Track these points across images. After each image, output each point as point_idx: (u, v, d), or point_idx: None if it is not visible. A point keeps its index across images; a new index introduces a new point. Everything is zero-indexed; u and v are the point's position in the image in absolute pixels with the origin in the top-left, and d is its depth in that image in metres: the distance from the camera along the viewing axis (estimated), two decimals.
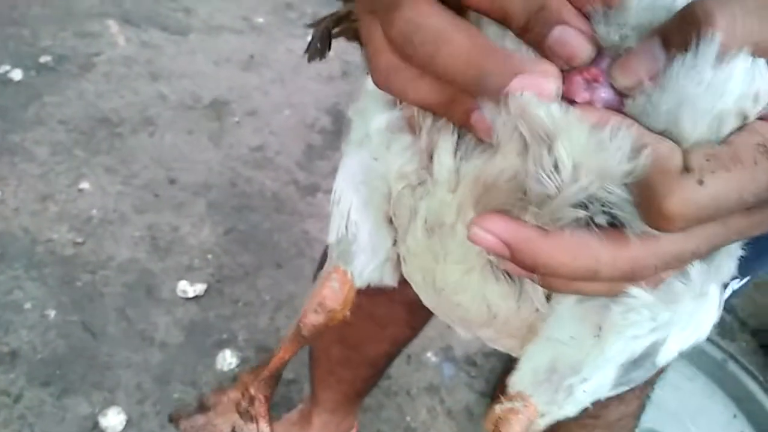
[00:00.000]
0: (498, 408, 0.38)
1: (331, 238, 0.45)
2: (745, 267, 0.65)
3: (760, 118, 0.28)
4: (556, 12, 0.28)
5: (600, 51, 0.28)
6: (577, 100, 0.28)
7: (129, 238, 1.49)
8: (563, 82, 0.28)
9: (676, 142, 0.27)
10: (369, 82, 0.36)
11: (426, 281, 0.41)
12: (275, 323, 1.39)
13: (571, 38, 0.28)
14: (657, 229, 0.28)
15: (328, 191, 1.59)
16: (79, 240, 1.46)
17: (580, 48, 0.28)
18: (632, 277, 0.30)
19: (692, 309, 0.36)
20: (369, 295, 0.86)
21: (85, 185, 1.58)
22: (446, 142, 0.34)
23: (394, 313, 0.91)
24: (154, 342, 1.32)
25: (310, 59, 0.47)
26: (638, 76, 0.27)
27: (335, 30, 0.45)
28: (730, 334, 1.60)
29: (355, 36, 0.42)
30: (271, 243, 1.54)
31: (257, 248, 1.52)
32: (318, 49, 0.47)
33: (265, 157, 1.75)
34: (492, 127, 0.30)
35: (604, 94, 0.28)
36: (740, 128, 0.27)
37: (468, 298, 0.40)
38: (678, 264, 0.31)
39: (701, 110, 0.27)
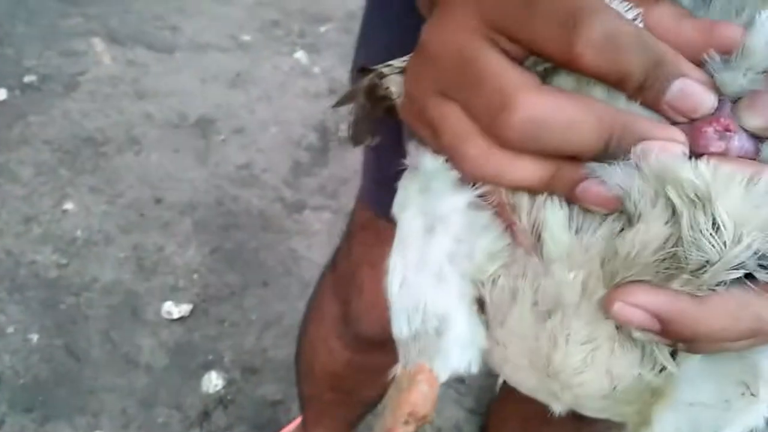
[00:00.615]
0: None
1: (401, 333, 0.40)
2: None
3: None
4: (675, 65, 0.27)
5: (720, 100, 0.27)
6: (712, 150, 0.27)
7: (114, 258, 1.47)
8: (689, 135, 0.27)
9: None
10: (427, 161, 0.35)
11: (535, 365, 0.38)
12: (262, 343, 1.38)
13: (693, 90, 0.27)
14: None
15: (315, 208, 1.58)
16: (63, 261, 1.45)
17: (702, 99, 0.27)
18: None
19: None
20: (364, 351, 0.84)
21: (69, 206, 1.56)
22: (556, 217, 0.31)
23: (390, 362, 0.89)
24: (138, 365, 1.31)
25: (356, 143, 0.44)
26: None
27: (372, 108, 0.41)
28: None
29: (389, 112, 0.39)
30: (257, 262, 1.52)
31: (243, 267, 1.51)
32: (365, 131, 0.43)
33: (252, 175, 1.74)
34: (606, 195, 0.28)
35: (738, 142, 0.27)
36: None
37: (590, 377, 0.36)
38: None
39: None
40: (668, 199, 0.27)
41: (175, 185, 1.67)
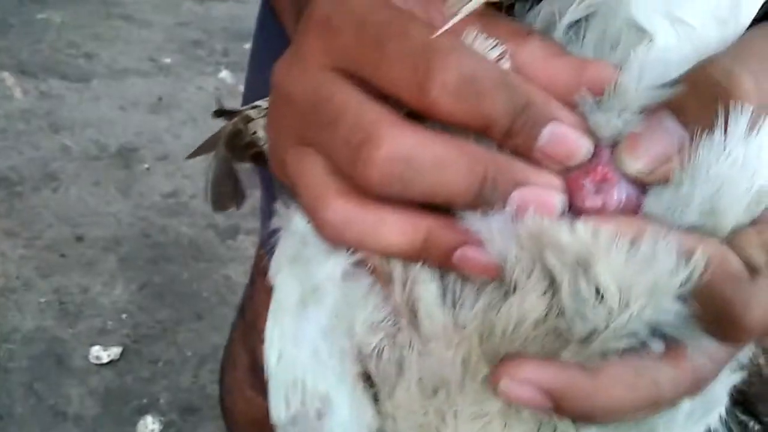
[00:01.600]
0: None
1: (279, 416, 0.35)
2: None
3: None
4: (544, 108, 0.24)
5: (596, 144, 0.24)
6: (589, 206, 0.24)
7: (35, 305, 1.40)
8: (567, 186, 0.24)
9: (714, 233, 0.24)
10: (297, 223, 0.31)
11: None
12: (200, 380, 1.32)
13: (565, 135, 0.24)
14: (732, 342, 0.25)
15: (250, 231, 1.53)
16: None
17: (577, 145, 0.24)
18: (694, 391, 0.27)
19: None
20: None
21: None
22: (429, 291, 0.28)
23: None
24: (67, 417, 1.23)
25: (218, 209, 0.39)
26: (652, 156, 0.23)
27: (236, 158, 0.36)
28: None
29: (255, 159, 0.34)
30: (190, 294, 1.46)
31: (175, 301, 1.44)
32: (229, 192, 0.38)
33: (180, 203, 1.68)
34: (485, 262, 0.25)
35: (618, 193, 0.24)
36: None
37: None
38: (729, 362, 0.27)
39: (739, 193, 0.23)
40: (545, 265, 0.24)
41: (97, 221, 1.59)
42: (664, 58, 0.23)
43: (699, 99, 0.23)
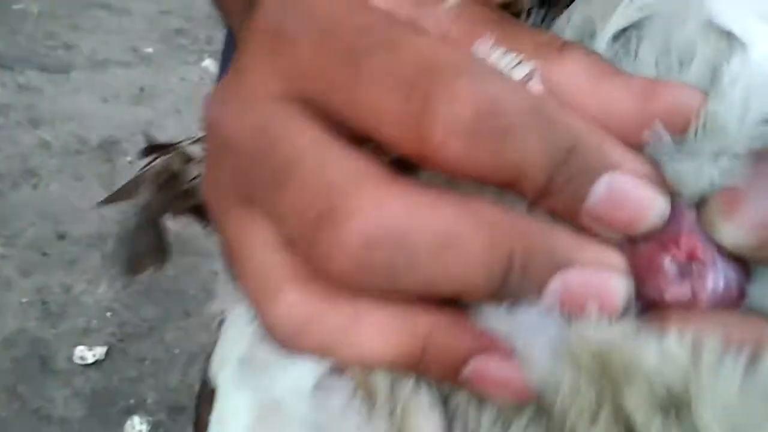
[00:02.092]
0: None
1: None
2: None
3: None
4: (598, 151, 0.16)
5: (674, 204, 0.17)
6: (669, 298, 0.16)
7: (16, 305, 1.36)
8: (631, 267, 0.17)
9: None
10: (245, 309, 0.22)
11: None
12: (188, 379, 1.29)
13: (630, 190, 0.16)
14: None
15: None
16: None
17: (648, 204, 0.16)
18: None
19: None
20: None
21: None
22: (429, 427, 0.19)
23: None
24: (52, 419, 1.21)
25: (131, 272, 0.30)
26: (762, 220, 0.16)
27: (164, 209, 0.28)
28: None
29: (197, 212, 0.28)
30: (177, 290, 1.43)
31: (162, 298, 1.41)
32: (148, 250, 0.29)
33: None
34: (516, 382, 0.17)
35: (714, 278, 0.16)
36: None
37: None
38: None
39: None
40: (619, 406, 0.16)
41: (80, 217, 1.55)
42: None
43: None
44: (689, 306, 0.16)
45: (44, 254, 1.46)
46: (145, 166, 0.29)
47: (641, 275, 0.17)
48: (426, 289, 0.17)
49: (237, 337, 0.24)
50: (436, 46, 0.16)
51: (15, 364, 1.27)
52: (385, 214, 0.16)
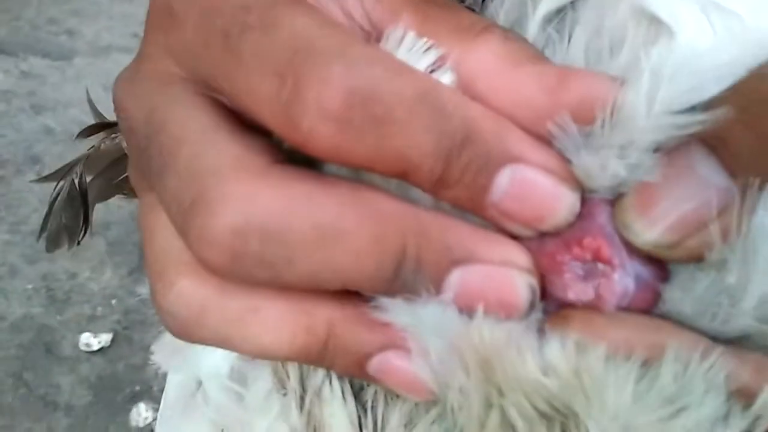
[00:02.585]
0: None
1: None
2: None
3: None
4: (496, 142, 0.15)
5: (585, 199, 0.16)
6: (572, 299, 0.16)
7: (21, 292, 1.36)
8: (537, 264, 0.16)
9: None
10: None
11: None
12: None
13: (535, 183, 0.16)
14: None
15: None
16: None
17: (555, 198, 0.16)
18: None
19: None
20: None
21: None
22: (338, 416, 0.19)
23: None
24: (58, 406, 1.21)
25: (49, 248, 0.29)
26: (677, 220, 0.15)
27: (104, 182, 0.27)
28: None
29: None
30: None
31: None
32: (64, 224, 0.27)
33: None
34: (414, 378, 0.17)
35: (621, 280, 0.15)
36: None
37: None
38: None
39: None
40: (506, 415, 0.15)
41: None
42: (694, 64, 0.15)
43: (753, 129, 0.14)
44: (595, 306, 0.15)
45: None
46: (90, 148, 0.29)
47: (546, 275, 0.16)
48: (311, 282, 0.16)
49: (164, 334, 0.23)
50: (315, 27, 0.15)
51: (21, 350, 1.27)
52: (255, 205, 0.15)
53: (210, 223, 0.15)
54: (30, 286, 1.37)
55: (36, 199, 1.54)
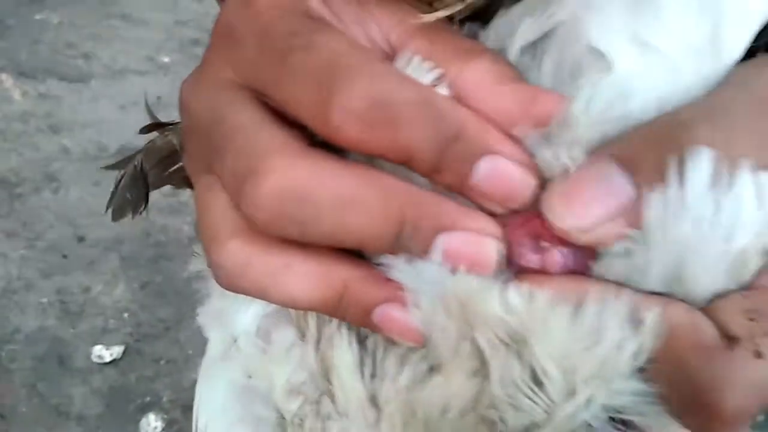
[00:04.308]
0: None
1: None
2: None
3: None
4: (478, 139, 0.20)
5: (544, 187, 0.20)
6: (524, 264, 0.20)
7: (36, 305, 1.40)
8: (505, 235, 0.20)
9: (685, 300, 0.19)
10: None
11: None
12: None
13: (505, 170, 0.20)
14: (713, 430, 0.19)
15: None
16: None
17: (520, 182, 0.20)
18: None
19: None
20: None
21: None
22: (344, 358, 0.23)
23: None
24: (70, 416, 1.24)
25: (115, 217, 0.35)
26: (593, 214, 0.19)
27: (157, 172, 0.33)
28: None
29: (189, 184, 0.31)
30: (191, 292, 1.44)
31: (177, 300, 1.44)
32: (129, 200, 0.34)
33: (180, 202, 1.67)
34: (410, 325, 0.21)
35: (559, 255, 0.20)
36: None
37: None
38: None
39: (712, 258, 0.19)
40: (474, 341, 0.20)
41: (98, 221, 1.59)
42: (625, 85, 0.20)
43: (652, 148, 0.19)
44: (543, 271, 0.20)
45: (64, 256, 1.50)
46: (148, 149, 0.33)
47: (510, 245, 0.20)
48: (331, 238, 0.20)
49: (212, 292, 0.29)
50: (344, 48, 0.20)
51: (35, 361, 1.30)
52: (293, 176, 0.20)
53: (259, 189, 0.20)
54: (45, 300, 1.41)
55: (52, 216, 1.59)
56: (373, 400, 0.23)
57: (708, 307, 0.19)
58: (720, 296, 0.19)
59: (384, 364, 0.23)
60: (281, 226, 0.20)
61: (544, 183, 0.20)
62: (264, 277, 0.21)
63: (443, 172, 0.20)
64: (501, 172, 0.20)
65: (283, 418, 0.27)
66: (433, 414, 0.22)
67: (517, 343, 0.19)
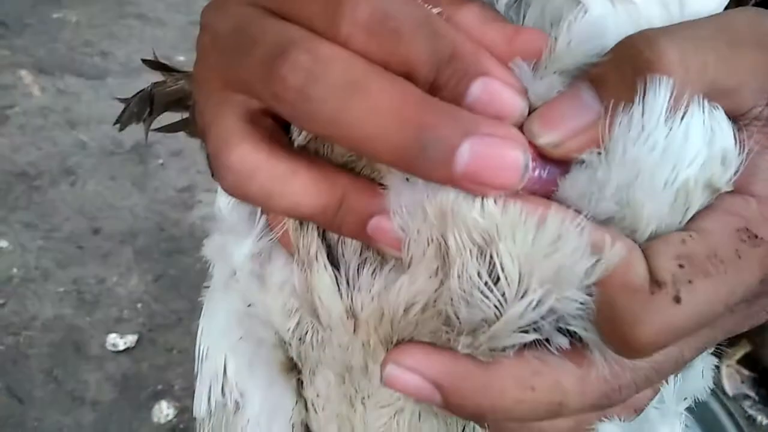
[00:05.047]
0: None
1: (200, 409, 0.34)
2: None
3: (731, 192, 0.22)
4: (472, 60, 0.21)
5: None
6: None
7: (53, 294, 1.43)
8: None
9: (632, 229, 0.21)
10: (221, 204, 0.30)
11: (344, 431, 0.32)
12: None
13: (498, 92, 0.21)
14: (624, 356, 0.22)
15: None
16: (0, 301, 1.40)
17: (512, 103, 0.21)
18: (607, 403, 0.23)
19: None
20: None
21: (3, 244, 1.52)
22: (323, 282, 0.26)
23: None
24: (85, 401, 1.27)
25: (121, 126, 0.37)
26: (564, 128, 0.21)
27: (162, 100, 0.35)
28: None
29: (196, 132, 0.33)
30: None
31: (189, 292, 1.48)
32: (135, 112, 0.37)
33: (194, 197, 1.71)
34: (400, 236, 0.22)
35: (535, 169, 0.21)
36: (711, 207, 0.21)
37: None
38: (659, 378, 0.24)
39: (658, 185, 0.20)
40: (443, 243, 0.22)
41: (114, 214, 1.63)
42: (599, 25, 0.22)
43: (619, 70, 0.20)
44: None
45: (80, 248, 1.54)
46: (158, 83, 0.35)
47: None
48: (333, 125, 0.20)
49: (214, 230, 0.31)
50: None
51: (52, 348, 1.34)
52: (317, 56, 0.20)
53: (286, 62, 0.20)
54: (61, 289, 1.45)
55: (69, 209, 1.63)
56: (350, 312, 0.26)
57: (646, 246, 0.21)
58: (660, 236, 0.21)
59: (358, 280, 0.25)
60: (298, 97, 0.20)
61: (532, 110, 0.22)
62: (271, 181, 0.22)
63: (442, 90, 0.21)
64: (494, 92, 0.21)
65: (282, 339, 0.30)
66: (398, 313, 0.24)
67: (484, 243, 0.21)
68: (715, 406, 1.32)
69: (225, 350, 0.32)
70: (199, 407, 0.33)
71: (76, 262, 1.50)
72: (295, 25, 0.22)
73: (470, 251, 0.22)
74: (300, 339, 0.29)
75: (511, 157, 0.20)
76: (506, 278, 0.21)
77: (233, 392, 0.32)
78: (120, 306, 1.43)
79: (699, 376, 0.31)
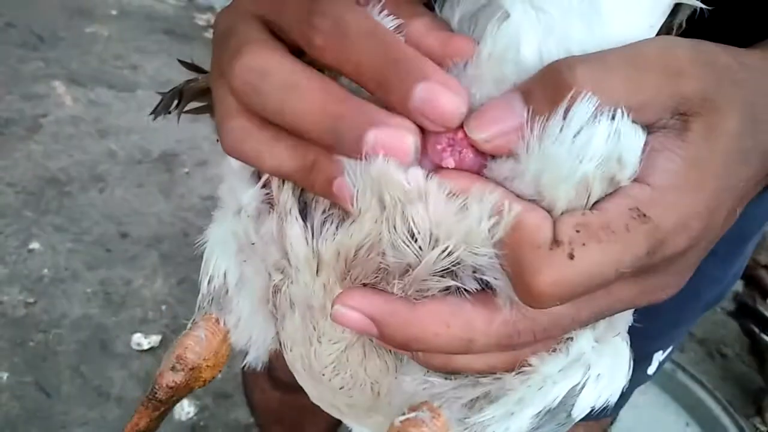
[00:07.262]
0: (398, 420, 0.32)
1: (203, 287, 0.40)
2: (666, 338, 0.64)
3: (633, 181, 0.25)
4: (416, 66, 0.25)
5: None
6: (442, 165, 0.26)
7: (81, 294, 1.49)
8: (425, 145, 0.26)
9: (548, 209, 0.25)
10: (232, 163, 0.35)
11: (305, 368, 0.37)
12: (233, 369, 1.39)
13: (439, 94, 0.24)
14: (528, 305, 0.26)
15: None
16: (31, 300, 1.46)
17: (453, 106, 0.25)
18: (509, 345, 0.28)
19: (600, 364, 0.34)
20: (290, 391, 0.79)
21: (35, 245, 1.57)
22: (293, 229, 0.31)
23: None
24: (110, 397, 1.31)
25: (155, 116, 0.43)
26: (495, 129, 0.25)
27: (190, 93, 0.42)
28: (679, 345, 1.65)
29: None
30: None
31: None
32: (165, 104, 0.42)
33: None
34: (350, 195, 0.27)
35: (465, 156, 0.26)
36: (613, 193, 0.25)
37: (348, 379, 0.36)
38: (559, 331, 0.28)
39: (565, 175, 0.25)
40: (381, 200, 0.27)
41: (141, 220, 1.69)
42: (516, 33, 0.26)
43: (544, 87, 0.25)
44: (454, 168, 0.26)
45: (108, 251, 1.59)
46: (189, 80, 0.42)
47: (433, 147, 0.26)
48: (279, 114, 0.26)
49: (226, 175, 0.37)
50: None
51: (79, 346, 1.39)
52: (261, 58, 0.26)
53: (237, 61, 0.26)
54: (89, 290, 1.50)
55: (98, 213, 1.68)
56: (315, 253, 0.31)
57: (556, 217, 0.25)
58: (569, 210, 0.25)
59: (322, 231, 0.30)
60: (246, 94, 0.27)
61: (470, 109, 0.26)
62: (260, 144, 0.28)
63: (388, 94, 0.25)
64: (435, 96, 0.24)
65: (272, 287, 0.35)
66: (350, 253, 0.29)
67: (408, 203, 0.26)
68: (716, 406, 1.35)
69: (229, 262, 0.38)
70: (204, 285, 0.39)
71: (103, 265, 1.56)
72: (264, 32, 0.27)
73: (397, 208, 0.27)
74: (276, 291, 0.34)
75: (405, 142, 0.25)
76: (419, 232, 0.27)
77: (230, 279, 0.37)
78: (145, 307, 1.48)
79: (618, 320, 0.34)
